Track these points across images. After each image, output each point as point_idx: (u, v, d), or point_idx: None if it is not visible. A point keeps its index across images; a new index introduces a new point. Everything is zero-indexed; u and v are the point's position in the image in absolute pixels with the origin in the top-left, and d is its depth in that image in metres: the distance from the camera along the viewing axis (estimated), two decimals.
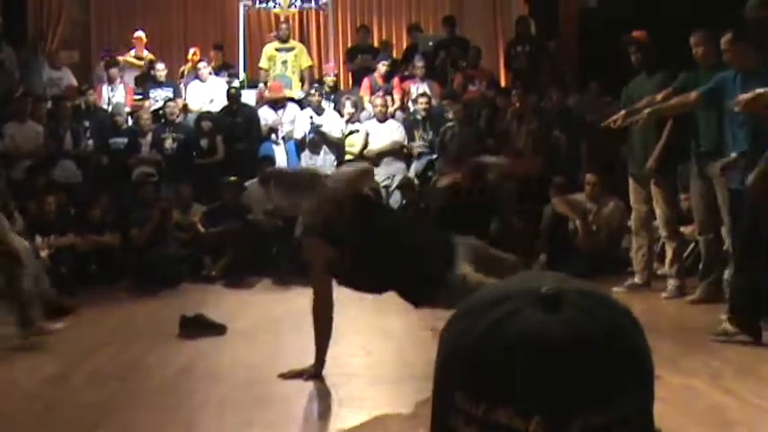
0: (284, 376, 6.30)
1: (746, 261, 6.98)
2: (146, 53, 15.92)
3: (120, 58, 15.17)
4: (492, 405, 0.93)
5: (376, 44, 17.00)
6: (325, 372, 6.43)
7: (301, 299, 9.75)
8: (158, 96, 14.12)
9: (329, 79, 14.78)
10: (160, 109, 13.67)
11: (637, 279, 9.40)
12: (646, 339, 1.01)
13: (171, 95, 14.01)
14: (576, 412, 0.92)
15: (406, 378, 6.23)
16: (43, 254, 9.42)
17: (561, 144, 11.99)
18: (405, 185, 12.46)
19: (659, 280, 9.43)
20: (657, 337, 1.33)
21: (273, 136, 13.29)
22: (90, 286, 10.53)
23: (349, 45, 17.23)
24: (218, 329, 8.02)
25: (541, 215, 10.96)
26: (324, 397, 6.02)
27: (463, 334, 0.99)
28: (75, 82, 14.58)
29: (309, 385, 6.22)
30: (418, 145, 13.22)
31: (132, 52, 15.82)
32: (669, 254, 9.05)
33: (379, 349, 7.19)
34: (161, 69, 14.73)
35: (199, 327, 8.01)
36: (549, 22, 15.18)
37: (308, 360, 6.72)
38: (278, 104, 13.55)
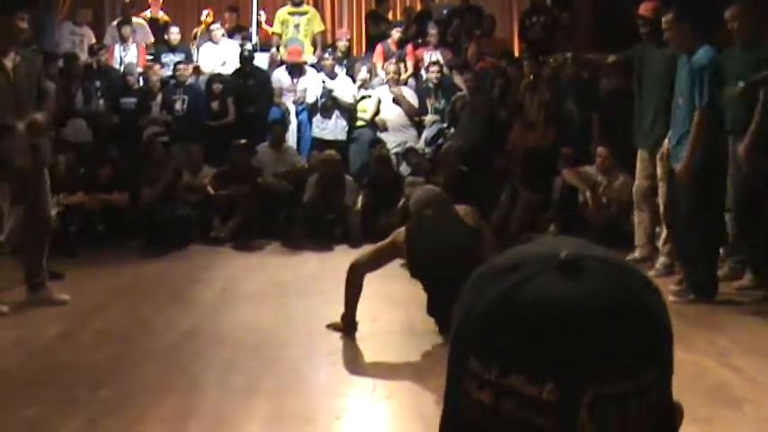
0: (331, 327, 6.63)
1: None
2: (161, 14, 15.87)
3: (134, 19, 15.09)
4: (505, 370, 0.92)
5: (392, 11, 16.93)
6: (331, 337, 6.45)
7: (310, 263, 9.83)
8: (170, 61, 14.08)
9: (342, 44, 14.72)
10: (171, 77, 13.63)
11: (637, 254, 9.34)
12: (667, 310, 0.99)
13: (182, 60, 13.95)
14: (591, 380, 0.90)
15: (412, 344, 6.24)
16: (53, 212, 9.41)
17: (573, 116, 11.93)
18: (409, 153, 12.45)
19: None
20: None
21: (284, 101, 13.22)
22: (98, 245, 10.55)
23: (362, 10, 17.16)
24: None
25: (551, 187, 10.94)
26: (330, 363, 6.03)
27: (479, 298, 0.97)
28: (94, 39, 14.56)
29: (315, 350, 6.24)
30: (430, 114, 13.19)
31: (148, 13, 15.76)
32: (664, 232, 8.95)
33: (386, 316, 7.18)
34: (174, 33, 14.69)
35: None
36: None
37: (316, 324, 6.76)
38: (294, 69, 13.46)
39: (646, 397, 0.93)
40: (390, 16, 16.51)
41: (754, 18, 7.97)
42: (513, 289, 0.94)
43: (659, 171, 8.77)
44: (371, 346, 6.41)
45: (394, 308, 7.44)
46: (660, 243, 9.05)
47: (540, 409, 0.90)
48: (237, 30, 15.31)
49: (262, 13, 16.06)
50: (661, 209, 8.87)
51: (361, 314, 6.74)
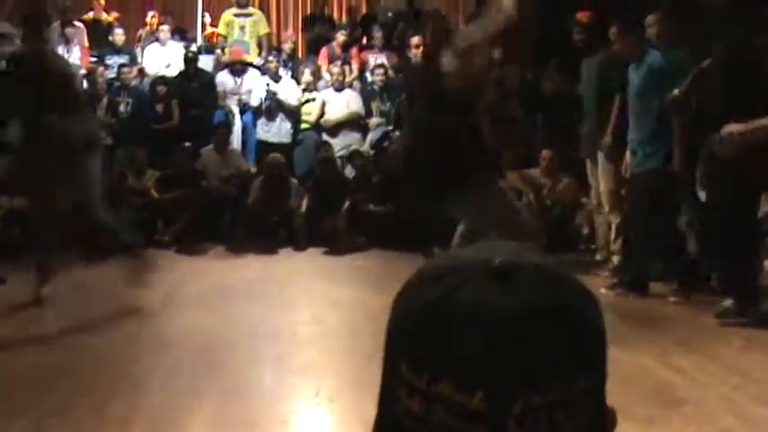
0: None
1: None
2: (104, 15, 15.75)
3: (75, 22, 14.95)
4: (435, 378, 0.91)
5: (335, 13, 16.96)
6: (276, 340, 6.45)
7: (254, 266, 9.80)
8: (114, 63, 13.98)
9: (287, 46, 14.70)
10: (115, 78, 13.55)
11: (598, 256, 9.47)
12: (601, 319, 0.99)
13: (126, 62, 13.88)
14: (521, 391, 0.90)
15: (356, 347, 6.24)
16: None
17: (518, 119, 11.98)
18: (354, 156, 12.47)
19: None
20: (608, 314, 1.37)
21: (228, 103, 13.19)
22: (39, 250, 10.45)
23: (307, 13, 17.17)
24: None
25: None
26: (274, 366, 6.02)
27: (411, 303, 0.97)
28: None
29: (260, 354, 6.22)
30: (375, 117, 13.21)
31: (91, 14, 15.64)
32: (614, 229, 9.04)
33: (330, 319, 7.18)
34: (119, 34, 14.60)
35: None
36: None
37: (260, 328, 6.75)
38: (238, 71, 13.44)
39: (577, 405, 0.92)
40: (332, 16, 16.53)
41: (673, 23, 8.17)
42: (445, 295, 0.94)
43: (599, 165, 8.95)
44: (316, 349, 6.40)
45: (339, 311, 7.44)
46: (611, 239, 9.14)
47: (469, 418, 0.90)
48: (177, 32, 15.23)
49: (206, 15, 16.02)
50: (605, 201, 9.02)
51: (306, 317, 6.75)
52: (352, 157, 12.49)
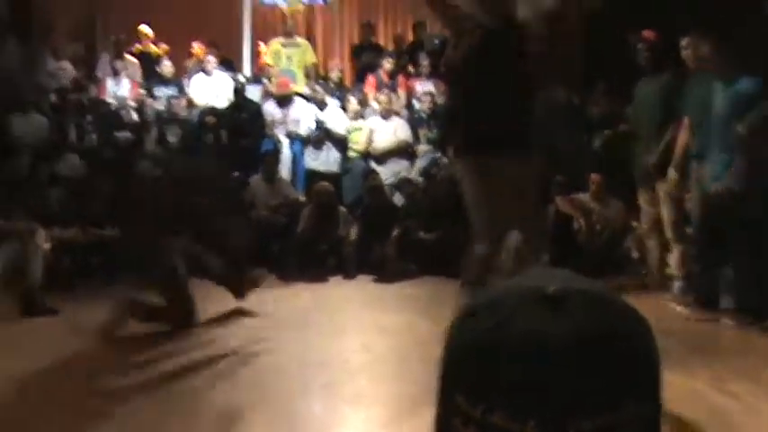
0: None
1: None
2: (153, 47, 15.92)
3: (125, 55, 15.10)
4: (489, 407, 0.92)
5: (381, 41, 17.01)
6: (325, 368, 6.43)
7: (304, 295, 9.79)
8: (163, 95, 14.10)
9: (335, 75, 14.76)
10: (164, 110, 13.65)
11: (649, 280, 9.42)
12: (655, 345, 0.99)
13: (175, 94, 13.99)
14: (572, 417, 0.90)
15: (406, 375, 6.21)
16: (45, 246, 9.40)
17: (566, 144, 11.95)
18: (402, 183, 12.47)
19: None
20: (665, 339, 1.35)
21: (276, 133, 13.24)
22: (92, 280, 10.52)
23: (354, 42, 17.24)
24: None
25: (544, 215, 10.94)
26: (324, 394, 6.00)
27: (466, 333, 0.98)
28: (74, 74, 14.57)
29: (309, 382, 6.21)
30: (423, 144, 13.21)
31: (139, 47, 15.81)
32: (676, 256, 9.01)
33: (380, 346, 7.16)
34: (167, 66, 14.72)
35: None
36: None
37: (310, 356, 6.73)
38: (285, 100, 13.48)
39: (627, 430, 0.92)
40: (379, 44, 16.59)
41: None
42: (498, 325, 0.94)
43: (661, 194, 8.88)
44: (366, 377, 6.38)
45: (388, 338, 7.42)
46: (673, 267, 9.09)
47: None
48: (224, 62, 15.33)
49: (261, 44, 16.14)
50: (668, 231, 8.95)
51: (355, 345, 6.72)
52: (401, 184, 12.49)
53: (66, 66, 14.72)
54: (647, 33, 9.07)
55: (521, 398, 0.91)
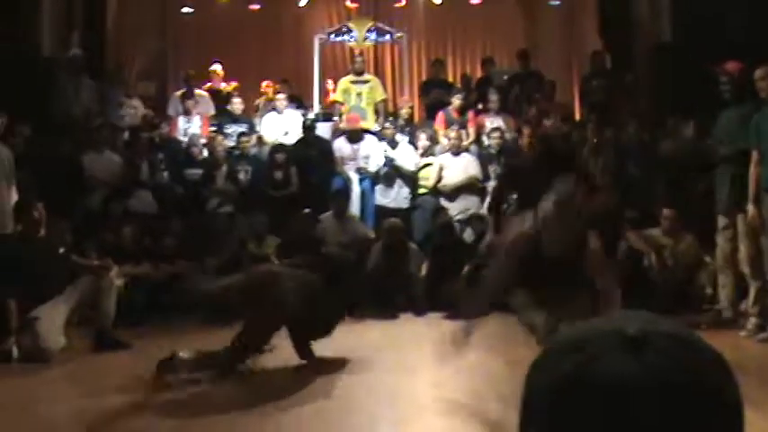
0: None
1: None
2: (223, 85, 16.08)
3: (197, 91, 15.25)
4: None
5: (450, 78, 17.04)
6: (398, 405, 6.40)
7: (374, 331, 9.77)
8: (233, 132, 14.20)
9: (405, 111, 14.79)
10: (235, 147, 13.75)
11: (723, 315, 9.29)
12: (737, 386, 0.98)
13: (245, 131, 14.10)
14: None
15: (478, 413, 6.16)
16: (119, 282, 9.49)
17: (637, 179, 11.86)
18: (473, 219, 12.45)
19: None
20: (741, 376, 1.31)
21: (346, 170, 13.29)
22: (164, 316, 10.59)
23: (423, 78, 17.28)
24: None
25: (616, 250, 10.83)
26: (397, 431, 5.97)
27: (548, 374, 0.98)
28: (144, 111, 14.76)
29: (379, 419, 6.18)
30: (492, 180, 13.18)
31: (209, 85, 15.97)
32: (752, 292, 8.90)
33: (451, 383, 7.11)
34: (237, 103, 14.84)
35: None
36: (623, 55, 15.07)
37: (380, 393, 6.70)
38: (355, 137, 13.53)
39: None
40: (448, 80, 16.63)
41: None
42: (580, 369, 0.94)
43: (740, 229, 8.78)
44: (436, 414, 6.34)
45: (459, 375, 7.36)
46: (749, 303, 8.97)
47: None
48: (293, 100, 15.44)
49: (330, 81, 16.25)
50: (746, 267, 8.84)
51: (425, 382, 6.68)
52: (471, 220, 12.46)
53: (138, 104, 14.90)
54: (731, 65, 8.98)
55: None
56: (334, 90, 15.94)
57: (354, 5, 18.69)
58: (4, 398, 6.97)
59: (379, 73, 17.62)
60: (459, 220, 12.60)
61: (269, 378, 7.52)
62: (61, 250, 9.01)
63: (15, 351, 8.27)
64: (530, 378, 1.01)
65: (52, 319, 8.42)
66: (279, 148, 13.47)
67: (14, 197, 9.25)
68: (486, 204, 12.86)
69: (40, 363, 8.13)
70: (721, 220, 9.15)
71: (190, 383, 7.39)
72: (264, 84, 16.09)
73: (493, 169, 13.19)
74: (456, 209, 12.73)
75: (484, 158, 13.36)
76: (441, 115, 14.37)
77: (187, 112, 14.57)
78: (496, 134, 13.37)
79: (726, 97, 9.03)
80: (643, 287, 10.32)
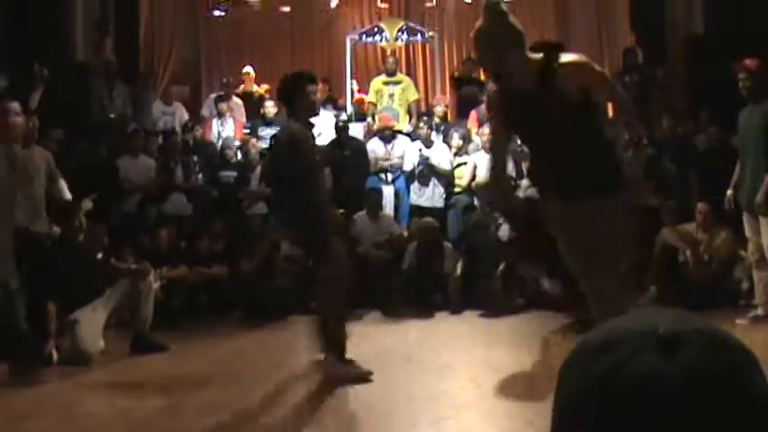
0: None
1: None
2: (256, 87, 16.11)
3: (234, 99, 15.27)
4: None
5: (482, 77, 17.01)
6: (435, 404, 6.40)
7: (410, 330, 9.77)
8: (267, 134, 14.22)
9: (439, 110, 14.75)
10: (268, 148, 13.77)
11: (759, 311, 9.22)
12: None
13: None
14: None
15: (515, 412, 6.16)
16: (156, 286, 9.55)
17: (671, 174, 11.80)
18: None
19: None
20: None
21: (381, 172, 13.30)
22: (200, 317, 10.64)
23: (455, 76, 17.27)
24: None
25: (651, 247, 10.77)
26: (433, 430, 5.97)
27: (580, 375, 0.98)
28: (186, 116, 14.83)
29: (418, 418, 6.18)
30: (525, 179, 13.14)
31: (242, 87, 16.01)
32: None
33: (489, 382, 7.10)
34: (270, 107, 14.86)
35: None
36: (656, 51, 14.99)
37: (418, 392, 6.70)
38: (388, 137, 13.54)
39: None
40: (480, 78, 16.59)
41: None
42: (615, 368, 0.95)
43: (762, 223, 8.72)
44: (475, 413, 6.34)
45: (497, 374, 7.35)
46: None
47: None
48: (329, 101, 15.45)
49: (354, 82, 16.25)
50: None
51: (462, 381, 6.68)
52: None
53: (177, 108, 14.98)
54: (749, 62, 8.92)
55: None
56: (360, 91, 15.96)
57: (385, 6, 18.70)
58: (45, 401, 7.03)
59: (411, 73, 17.62)
60: (493, 219, 12.56)
61: (304, 382, 7.54)
62: (99, 255, 9.06)
63: (55, 354, 8.34)
64: (561, 379, 1.02)
65: (91, 323, 8.48)
66: None
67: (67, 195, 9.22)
68: None
69: (80, 366, 8.20)
70: (746, 214, 9.11)
71: (229, 381, 7.43)
72: None
73: (526, 167, 13.15)
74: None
75: (517, 156, 13.31)
76: (473, 114, 14.35)
77: (221, 115, 14.61)
78: None
79: (744, 94, 8.98)
80: (678, 283, 10.28)
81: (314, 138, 7.84)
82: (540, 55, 4.98)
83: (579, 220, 5.17)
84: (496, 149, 5.92)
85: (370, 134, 14.29)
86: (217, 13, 18.76)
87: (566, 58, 4.93)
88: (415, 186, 13.11)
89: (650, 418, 0.91)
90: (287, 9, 18.73)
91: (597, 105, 5.10)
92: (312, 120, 7.79)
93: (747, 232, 9.22)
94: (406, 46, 18.07)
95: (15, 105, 7.96)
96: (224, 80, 15.93)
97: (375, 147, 13.54)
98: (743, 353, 0.97)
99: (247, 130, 14.61)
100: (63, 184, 8.98)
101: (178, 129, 14.32)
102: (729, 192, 9.13)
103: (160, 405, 6.83)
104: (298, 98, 7.55)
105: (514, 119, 5.29)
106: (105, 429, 6.35)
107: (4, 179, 7.75)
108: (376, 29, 17.31)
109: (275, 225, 11.54)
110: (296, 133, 7.51)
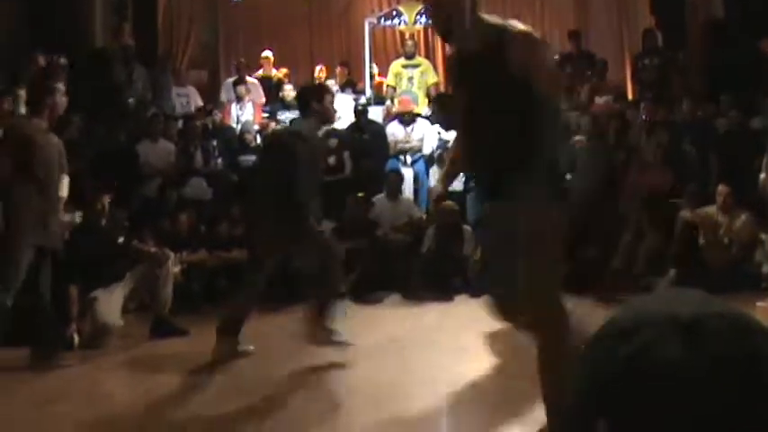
0: None
1: None
2: (274, 71, 16.12)
3: (248, 78, 15.29)
4: None
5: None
6: (454, 387, 6.41)
7: (430, 314, 9.78)
8: (286, 118, 14.23)
9: None
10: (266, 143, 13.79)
11: None
12: None
13: (297, 117, 14.11)
14: None
15: (539, 395, 6.15)
16: (176, 270, 9.57)
17: (691, 157, 11.77)
18: None
19: None
20: None
21: (401, 154, 13.29)
22: (219, 302, 10.65)
23: None
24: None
25: (671, 230, 10.73)
26: (455, 415, 5.98)
27: (605, 360, 0.98)
28: (200, 101, 14.83)
29: (441, 403, 6.19)
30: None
31: (260, 72, 16.02)
32: None
33: (511, 366, 7.09)
34: (288, 90, 14.87)
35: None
36: (676, 33, 14.94)
37: (438, 375, 6.71)
38: (407, 120, 13.54)
39: None
40: None
41: None
42: (639, 353, 0.95)
43: None
44: (496, 397, 6.34)
45: (519, 357, 7.34)
46: None
47: None
48: (349, 84, 15.45)
49: (374, 65, 16.23)
50: None
51: (483, 365, 6.68)
52: None
53: (191, 91, 14.99)
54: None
55: (664, 427, 0.92)
56: (380, 74, 15.94)
57: None
58: (67, 385, 7.06)
59: (429, 56, 17.60)
60: None
61: (323, 365, 7.55)
62: (120, 239, 9.10)
63: (76, 338, 8.38)
64: (585, 361, 1.02)
65: (109, 301, 8.54)
66: (331, 132, 13.48)
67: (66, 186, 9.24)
68: None
69: (101, 343, 8.28)
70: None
71: (248, 364, 7.46)
72: (318, 68, 16.11)
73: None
74: None
75: None
76: None
77: (239, 99, 14.63)
78: None
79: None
80: (698, 266, 10.25)
81: (322, 138, 7.96)
82: (498, 19, 4.74)
83: (500, 217, 4.99)
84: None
85: (389, 117, 14.28)
86: None
87: (518, 26, 4.65)
88: (434, 169, 13.09)
89: (671, 404, 0.91)
90: None
91: (540, 94, 4.62)
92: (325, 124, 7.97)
93: None
94: (425, 29, 18.00)
95: (60, 86, 7.96)
96: (236, 61, 15.93)
97: (394, 130, 13.53)
98: (764, 336, 0.97)
99: (266, 114, 14.63)
100: (65, 180, 9.01)
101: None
102: (762, 175, 9.03)
103: (180, 388, 6.86)
104: (315, 104, 7.66)
105: (459, 83, 5.07)
106: (126, 411, 6.38)
107: (54, 162, 7.77)
108: (395, 12, 17.25)
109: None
110: (303, 134, 7.67)
